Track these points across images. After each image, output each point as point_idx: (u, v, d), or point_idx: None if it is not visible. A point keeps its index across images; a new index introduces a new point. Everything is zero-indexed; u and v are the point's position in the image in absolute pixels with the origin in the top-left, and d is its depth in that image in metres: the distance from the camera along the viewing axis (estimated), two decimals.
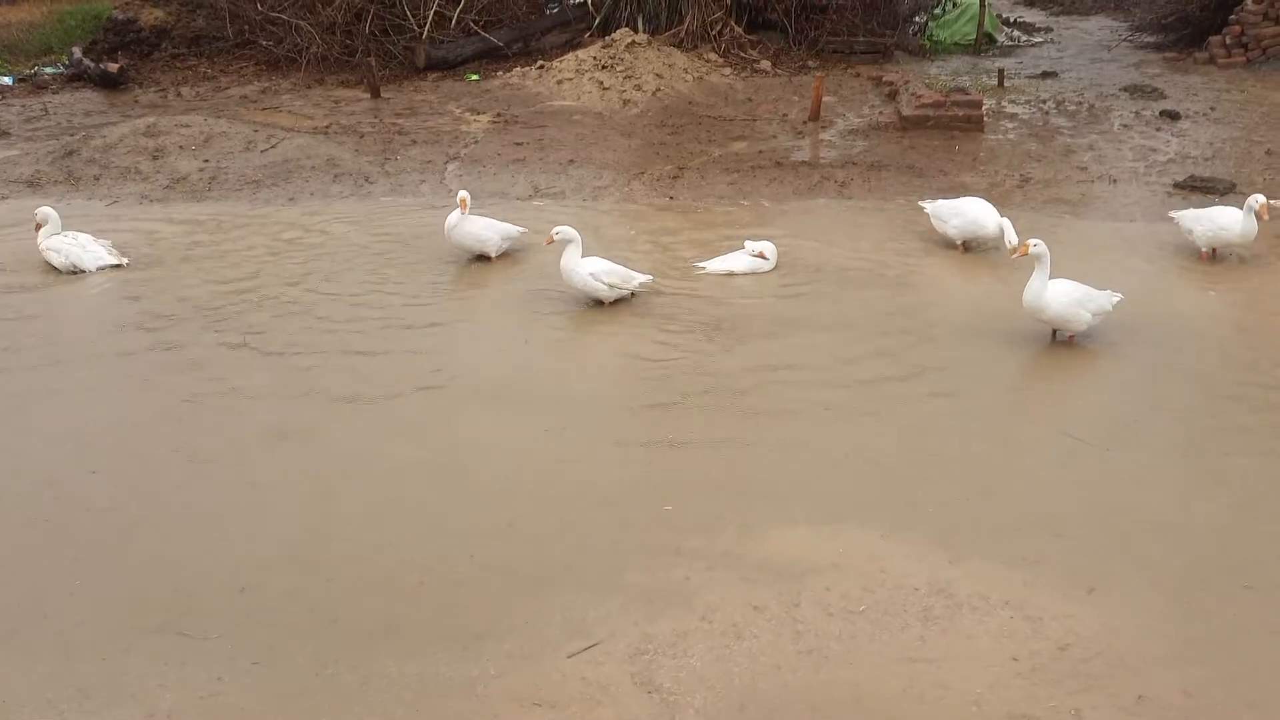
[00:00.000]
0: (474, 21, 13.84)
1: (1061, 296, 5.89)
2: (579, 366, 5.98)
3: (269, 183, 9.50)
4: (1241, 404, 5.38)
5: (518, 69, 13.05)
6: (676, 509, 4.57)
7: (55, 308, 6.91)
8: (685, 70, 12.54)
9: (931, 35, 15.17)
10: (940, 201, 7.70)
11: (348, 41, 13.59)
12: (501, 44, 13.79)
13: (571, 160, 9.94)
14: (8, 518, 4.61)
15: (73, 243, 7.46)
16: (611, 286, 6.59)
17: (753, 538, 4.37)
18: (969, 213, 7.41)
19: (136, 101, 12.47)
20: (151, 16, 14.65)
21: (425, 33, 13.48)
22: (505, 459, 5.01)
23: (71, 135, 10.76)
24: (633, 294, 6.74)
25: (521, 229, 7.62)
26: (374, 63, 12.65)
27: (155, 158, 10.01)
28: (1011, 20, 17.46)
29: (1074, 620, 3.85)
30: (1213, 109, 11.11)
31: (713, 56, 13.14)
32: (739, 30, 13.74)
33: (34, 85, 13.28)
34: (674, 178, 9.39)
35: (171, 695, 3.60)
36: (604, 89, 12.02)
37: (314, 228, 8.32)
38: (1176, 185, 8.89)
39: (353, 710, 3.54)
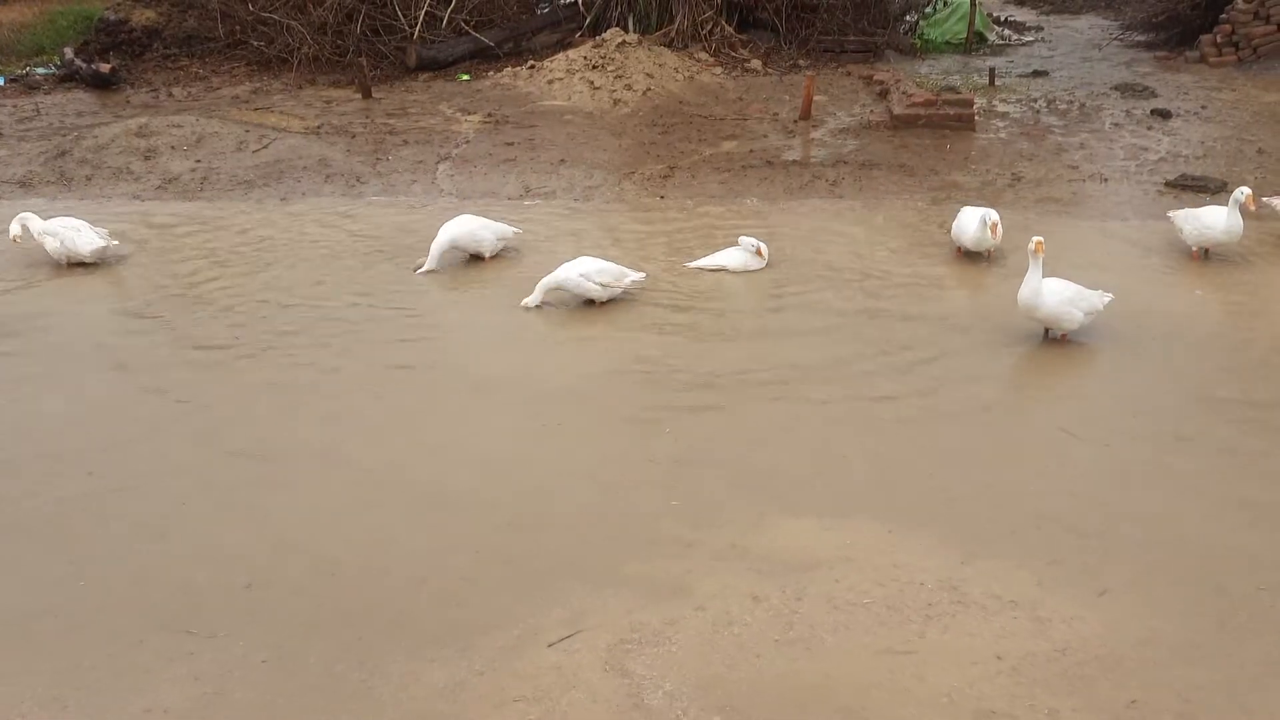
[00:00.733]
0: (465, 22, 13.83)
1: (1054, 295, 5.91)
2: (573, 363, 5.98)
3: (261, 183, 9.48)
4: (1227, 402, 5.41)
5: (509, 69, 13.04)
6: (682, 503, 4.59)
7: (52, 304, 6.89)
8: (676, 70, 12.54)
9: (922, 34, 15.19)
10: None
11: (339, 42, 13.57)
12: (492, 44, 13.78)
13: (562, 160, 9.93)
14: (8, 520, 4.60)
15: (66, 226, 7.45)
16: (604, 286, 6.59)
17: (761, 531, 4.39)
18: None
19: (128, 102, 12.43)
20: (143, 17, 14.61)
21: (416, 33, 13.46)
22: (503, 454, 5.03)
23: (63, 136, 10.72)
24: (624, 292, 6.74)
25: (516, 229, 7.61)
26: (365, 63, 12.64)
27: (147, 158, 9.99)
28: (1002, 19, 17.48)
29: (1081, 622, 3.84)
30: (1204, 108, 11.14)
31: (703, 56, 13.14)
32: (729, 29, 13.74)
33: (26, 86, 13.24)
34: (665, 177, 9.39)
35: (177, 691, 3.60)
36: (595, 89, 12.02)
37: (304, 226, 8.32)
38: (1168, 184, 8.91)
39: (352, 709, 3.53)
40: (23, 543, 4.45)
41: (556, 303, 6.74)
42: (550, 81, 12.33)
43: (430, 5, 13.54)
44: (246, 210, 8.82)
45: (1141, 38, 14.83)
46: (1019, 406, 5.63)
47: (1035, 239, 5.94)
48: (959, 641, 3.75)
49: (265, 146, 10.23)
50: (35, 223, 7.47)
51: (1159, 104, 11.27)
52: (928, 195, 8.82)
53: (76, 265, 7.50)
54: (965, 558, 4.20)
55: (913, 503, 4.58)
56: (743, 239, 7.25)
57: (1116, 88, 12.08)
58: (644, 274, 6.82)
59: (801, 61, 13.54)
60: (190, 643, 3.82)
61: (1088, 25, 16.96)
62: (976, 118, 10.67)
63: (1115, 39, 15.23)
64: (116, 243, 7.58)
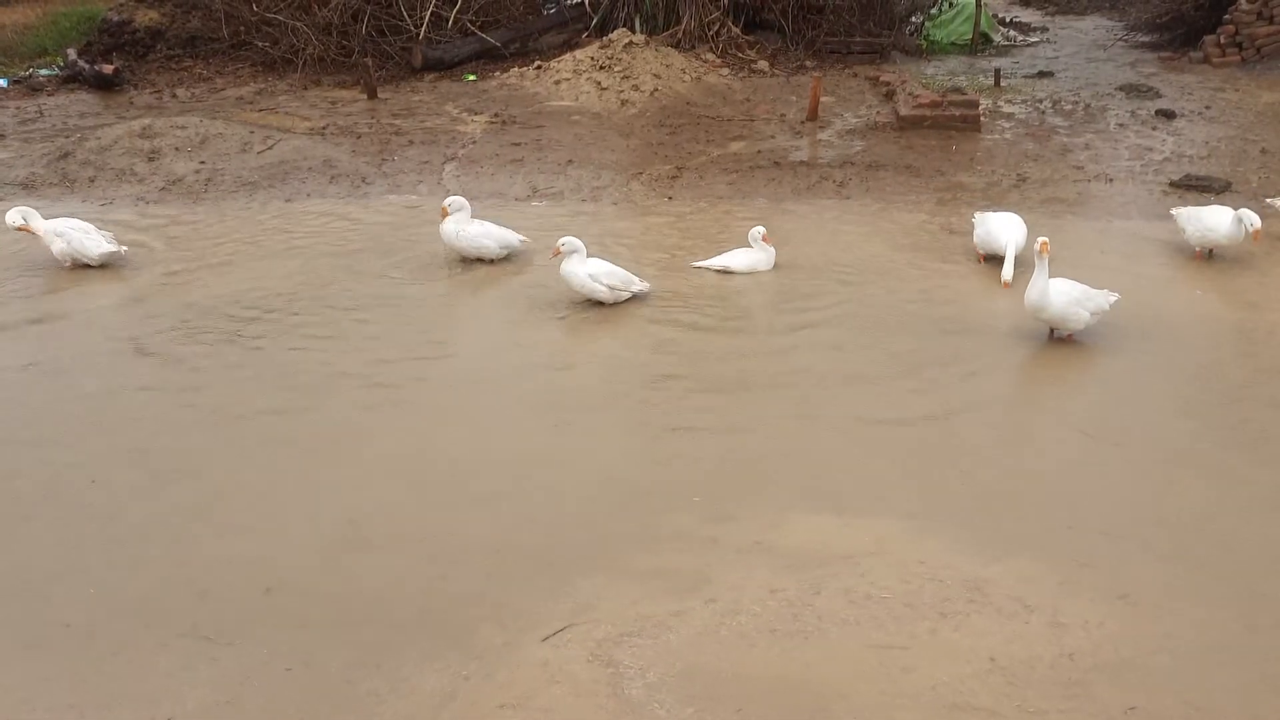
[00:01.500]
0: (471, 22, 13.83)
1: (1061, 295, 5.91)
2: (581, 363, 5.98)
3: (266, 184, 9.49)
4: (1235, 402, 5.41)
5: (515, 69, 13.04)
6: (705, 500, 4.61)
7: (58, 309, 6.90)
8: (683, 70, 12.55)
9: (928, 35, 15.19)
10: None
11: (344, 42, 13.58)
12: (499, 44, 13.78)
13: (570, 161, 9.94)
14: (18, 528, 4.59)
15: (75, 227, 7.44)
16: (611, 289, 6.59)
17: (785, 527, 4.40)
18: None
19: (132, 103, 12.44)
20: (146, 18, 14.62)
21: (422, 33, 13.46)
22: (520, 454, 5.03)
23: (66, 137, 10.73)
24: (633, 295, 6.74)
25: (522, 238, 7.57)
26: (371, 63, 12.64)
27: (151, 159, 9.99)
28: (1007, 20, 17.48)
29: (1099, 627, 3.81)
30: (1208, 108, 11.14)
31: (710, 57, 13.14)
32: (736, 31, 13.75)
33: (29, 87, 13.25)
34: (673, 178, 9.39)
35: (195, 698, 3.60)
36: (602, 89, 12.02)
37: (311, 226, 8.32)
38: (1172, 184, 8.91)
39: (358, 712, 3.54)
40: (33, 550, 4.43)
41: (563, 298, 6.74)
42: (557, 82, 12.33)
43: (436, 6, 13.55)
44: (251, 211, 8.82)
45: (1146, 38, 14.83)
46: (1033, 406, 5.64)
47: (1041, 239, 5.94)
48: (965, 641, 3.75)
49: (270, 148, 10.23)
50: (39, 220, 7.46)
51: (1163, 104, 11.27)
52: (934, 196, 8.82)
53: (81, 267, 7.49)
54: (993, 557, 4.19)
55: (938, 501, 4.59)
56: (754, 231, 7.23)
57: (1121, 88, 12.08)
58: (649, 285, 6.81)
59: (808, 63, 13.54)
60: (210, 649, 3.81)
61: (1092, 26, 16.96)
62: (982, 118, 10.66)
63: (1120, 40, 15.23)
64: (125, 249, 7.57)
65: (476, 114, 11.56)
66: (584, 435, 5.20)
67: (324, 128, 11.11)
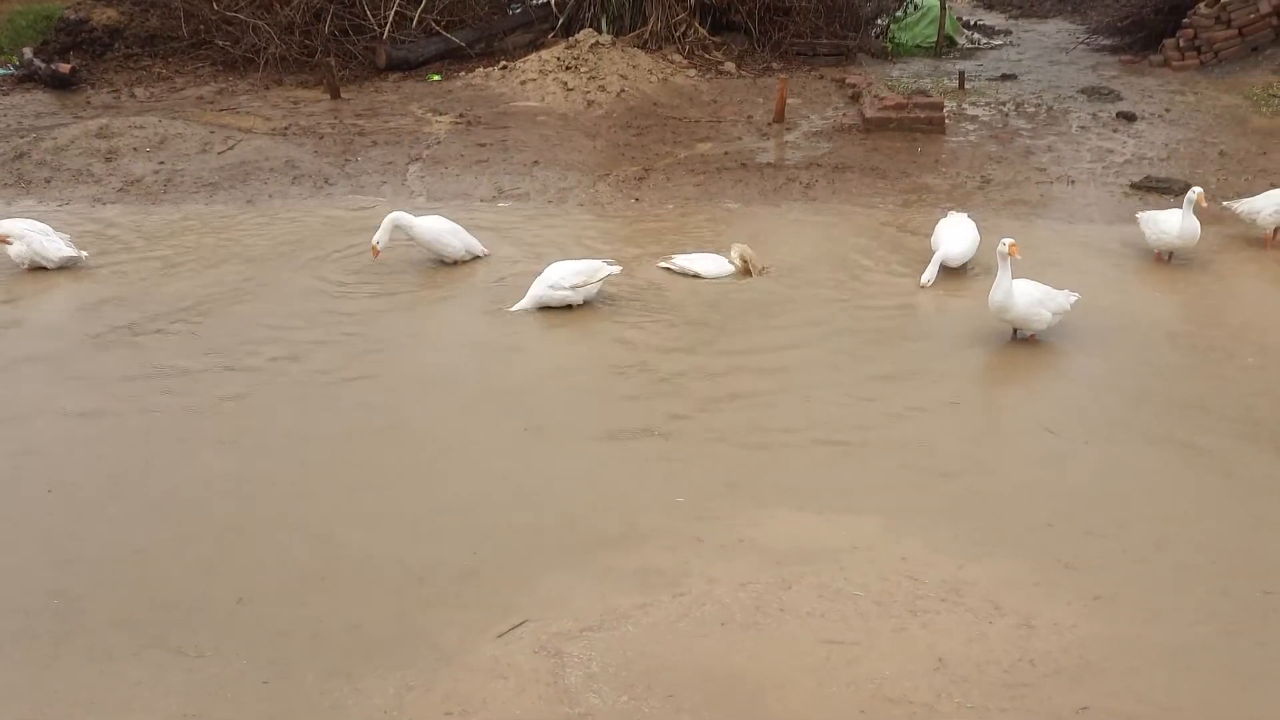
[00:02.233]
0: (435, 22, 13.72)
1: (1024, 296, 5.96)
2: (550, 367, 5.94)
3: (227, 185, 9.35)
4: (1188, 402, 5.48)
5: (480, 69, 12.96)
6: (688, 499, 4.62)
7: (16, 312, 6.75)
8: (650, 71, 12.52)
9: (893, 38, 15.26)
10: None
11: (307, 42, 13.42)
12: (464, 44, 13.68)
13: (536, 161, 9.88)
14: None
15: (33, 229, 7.28)
16: (575, 289, 6.54)
17: (768, 524, 4.42)
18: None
19: (89, 103, 12.22)
20: (104, 16, 14.37)
21: (386, 33, 13.34)
22: (490, 459, 4.99)
23: (22, 137, 10.51)
24: (600, 291, 6.68)
25: (486, 250, 7.50)
26: (334, 63, 12.51)
27: (108, 159, 9.82)
28: (971, 23, 17.62)
29: (1070, 630, 3.80)
30: (1167, 110, 11.28)
31: (677, 58, 13.12)
32: (703, 32, 13.74)
33: None
34: (640, 179, 9.36)
35: (164, 712, 3.52)
36: (568, 90, 11.97)
37: (272, 227, 8.21)
38: (1133, 186, 9.01)
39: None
40: None
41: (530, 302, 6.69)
42: (523, 82, 12.26)
43: (400, 5, 13.43)
44: (213, 212, 8.69)
45: (1107, 42, 14.99)
46: (1000, 406, 5.69)
47: (1008, 241, 5.97)
48: (925, 640, 3.75)
49: (231, 148, 10.09)
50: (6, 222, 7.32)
51: (1124, 107, 11.40)
52: (899, 198, 8.85)
53: (38, 269, 7.34)
54: (973, 557, 4.20)
55: (920, 500, 4.61)
56: (735, 248, 7.19)
57: (1083, 91, 12.20)
58: (618, 266, 6.78)
59: (775, 64, 13.56)
60: (183, 661, 3.73)
61: (1055, 29, 17.12)
62: (947, 121, 10.73)
63: (1081, 43, 15.39)
64: (86, 254, 7.43)
65: (441, 114, 11.47)
66: (557, 440, 5.16)
67: (286, 128, 10.97)
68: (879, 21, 15.37)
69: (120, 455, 5.05)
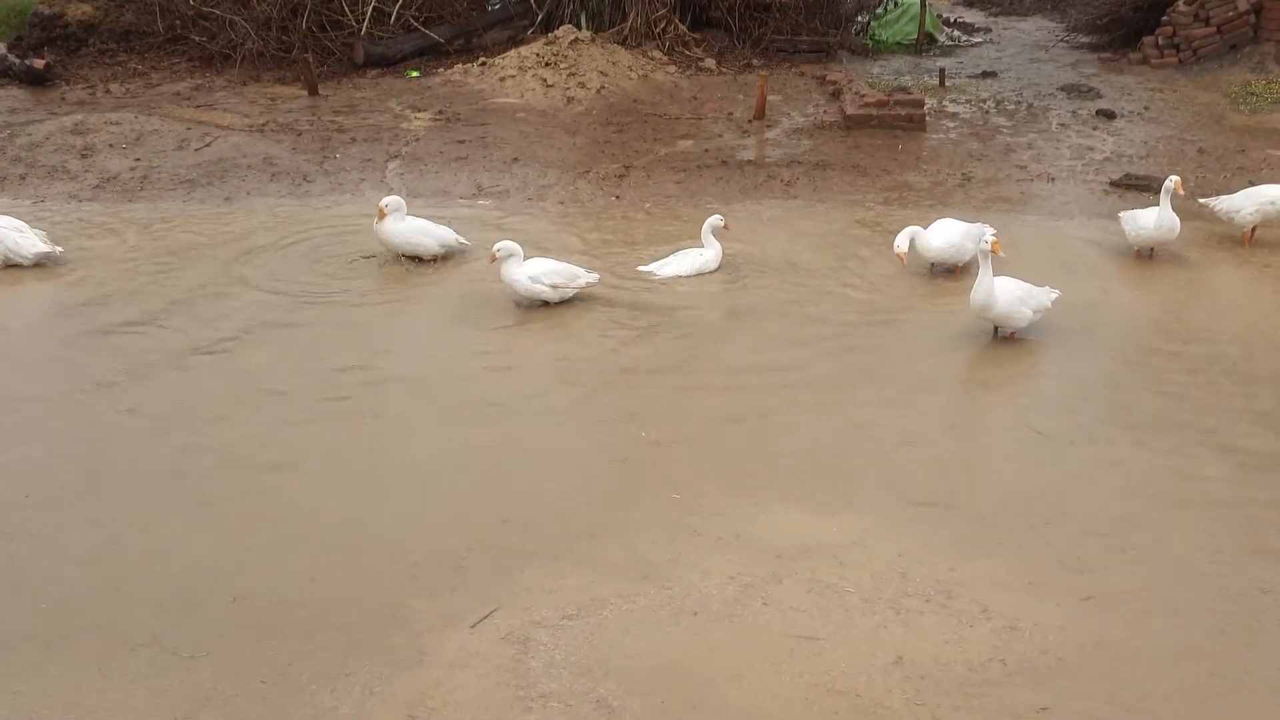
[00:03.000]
0: (414, 18, 13.62)
1: (1005, 294, 5.96)
2: (536, 366, 5.92)
3: (204, 182, 9.25)
4: (1167, 397, 5.53)
5: (459, 66, 12.87)
6: (684, 496, 4.64)
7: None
8: (630, 68, 12.47)
9: (874, 35, 15.26)
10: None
11: (284, 38, 13.29)
12: (442, 40, 13.59)
13: (515, 158, 9.82)
14: None
15: (6, 225, 7.18)
16: (555, 287, 6.50)
17: (768, 519, 4.44)
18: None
19: (64, 99, 12.07)
20: (79, 11, 14.19)
21: (364, 29, 13.24)
22: (480, 459, 4.99)
23: None
24: (577, 293, 6.65)
25: (463, 241, 7.42)
26: (311, 59, 12.40)
27: (84, 156, 9.71)
28: (951, 20, 17.63)
29: (1056, 632, 3.79)
30: (1146, 108, 11.33)
31: (657, 54, 13.08)
32: (683, 28, 13.69)
33: None
34: (620, 176, 9.32)
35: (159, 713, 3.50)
36: (548, 86, 11.91)
37: (249, 225, 8.13)
38: (1112, 183, 9.04)
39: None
40: None
41: (509, 303, 6.64)
42: (502, 79, 12.19)
43: (378, 1, 13.33)
44: (189, 210, 8.59)
45: (1086, 39, 15.05)
46: (985, 406, 5.70)
47: (992, 238, 5.97)
48: (899, 638, 3.75)
49: (208, 145, 9.99)
50: None
51: (1104, 104, 11.44)
52: (880, 195, 8.85)
53: (12, 266, 7.24)
54: (970, 557, 4.20)
55: (914, 499, 4.62)
56: (712, 219, 7.16)
57: (1063, 89, 12.24)
58: (597, 275, 6.74)
59: (755, 61, 13.54)
60: (177, 662, 3.70)
61: (1035, 27, 17.17)
62: (927, 118, 10.74)
63: (1061, 40, 15.44)
64: (60, 249, 7.34)
65: (420, 111, 11.39)
66: (549, 437, 5.17)
67: (264, 125, 10.86)
68: (859, 18, 15.36)
69: (103, 453, 4.99)
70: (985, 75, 13.12)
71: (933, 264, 7.10)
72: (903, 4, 15.42)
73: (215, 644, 3.78)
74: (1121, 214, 7.51)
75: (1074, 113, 11.22)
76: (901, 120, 10.59)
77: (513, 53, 12.71)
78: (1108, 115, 11.04)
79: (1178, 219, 7.06)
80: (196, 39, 13.55)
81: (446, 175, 9.40)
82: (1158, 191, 8.60)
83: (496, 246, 6.42)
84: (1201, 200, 7.87)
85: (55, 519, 4.54)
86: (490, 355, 6.06)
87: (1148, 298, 6.82)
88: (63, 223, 8.17)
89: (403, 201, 7.27)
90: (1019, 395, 5.70)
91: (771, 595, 3.98)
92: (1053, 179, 9.21)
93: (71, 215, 8.44)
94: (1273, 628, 3.83)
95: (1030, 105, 11.57)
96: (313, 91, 12.05)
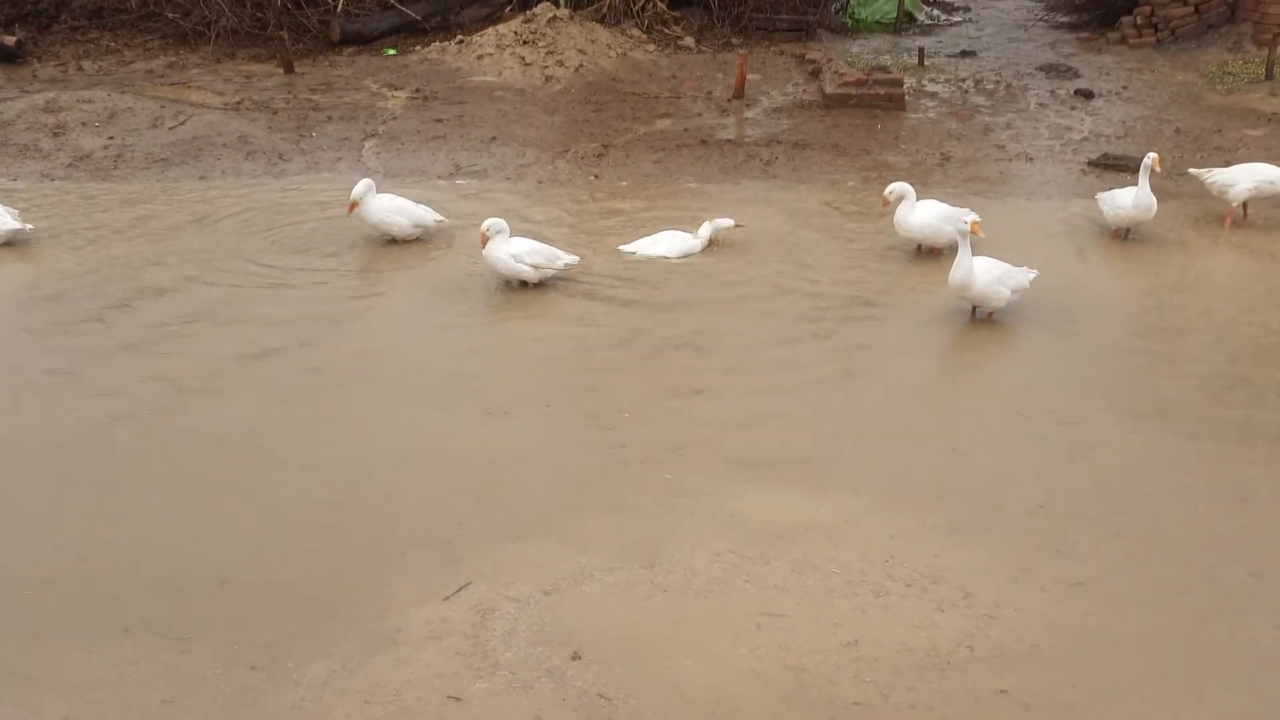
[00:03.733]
0: None
1: (984, 274, 5.98)
2: (514, 351, 5.90)
3: (178, 160, 9.14)
4: (1148, 376, 5.58)
5: (436, 44, 12.76)
6: (674, 476, 4.65)
7: None
8: (608, 46, 12.40)
9: (853, 13, 15.22)
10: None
11: (259, 14, 13.12)
12: (419, 18, 13.46)
13: (493, 137, 9.76)
14: None
15: None
16: (536, 268, 6.48)
17: (761, 499, 4.46)
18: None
19: (35, 76, 11.88)
20: None
21: (340, 6, 13.09)
22: (471, 440, 4.98)
23: None
24: (557, 275, 6.63)
25: (438, 217, 7.36)
26: (287, 37, 12.25)
27: (56, 134, 9.57)
28: None
29: (1038, 619, 3.80)
30: (1125, 88, 11.36)
31: (636, 32, 13.00)
32: (662, 6, 13.61)
33: None
34: (599, 156, 9.28)
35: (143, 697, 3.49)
36: (526, 65, 11.82)
37: (223, 205, 8.04)
38: (1090, 163, 9.07)
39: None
40: None
41: (489, 283, 6.61)
42: (480, 57, 12.09)
43: None
44: (164, 189, 8.49)
45: (1065, 19, 15.06)
46: (966, 389, 5.71)
47: (972, 219, 5.97)
48: (872, 620, 3.77)
49: (182, 123, 9.87)
50: None
51: (1082, 84, 11.47)
52: (859, 175, 8.85)
53: None
54: (961, 542, 4.21)
55: (913, 481, 4.64)
56: (718, 221, 7.15)
57: (1041, 68, 12.26)
58: (577, 257, 6.71)
59: (734, 39, 13.48)
60: (166, 646, 3.69)
61: (1013, 6, 17.15)
62: (906, 97, 10.73)
63: (1040, 20, 15.45)
64: (31, 226, 7.25)
65: (397, 89, 11.29)
66: (534, 419, 5.16)
67: (239, 103, 10.74)
68: None
69: (78, 438, 4.94)
70: (964, 54, 13.12)
71: (919, 244, 7.13)
72: None
73: (200, 627, 3.78)
74: (1099, 195, 7.54)
75: (1052, 92, 11.24)
76: (880, 99, 10.58)
77: (490, 30, 12.61)
78: (1086, 95, 11.08)
79: (1155, 199, 7.09)
80: (170, 15, 13.36)
81: (424, 154, 9.33)
82: (1135, 171, 8.62)
83: (486, 225, 6.39)
84: (1193, 170, 7.85)
85: (32, 501, 4.50)
86: (471, 333, 6.04)
87: (1126, 277, 6.87)
88: (35, 200, 8.06)
89: (372, 182, 7.17)
90: (999, 377, 5.72)
91: (755, 574, 4.00)
92: (1031, 159, 9.24)
93: (43, 193, 8.32)
94: (1255, 612, 3.85)
95: (1009, 85, 11.59)
96: (288, 69, 11.92)
